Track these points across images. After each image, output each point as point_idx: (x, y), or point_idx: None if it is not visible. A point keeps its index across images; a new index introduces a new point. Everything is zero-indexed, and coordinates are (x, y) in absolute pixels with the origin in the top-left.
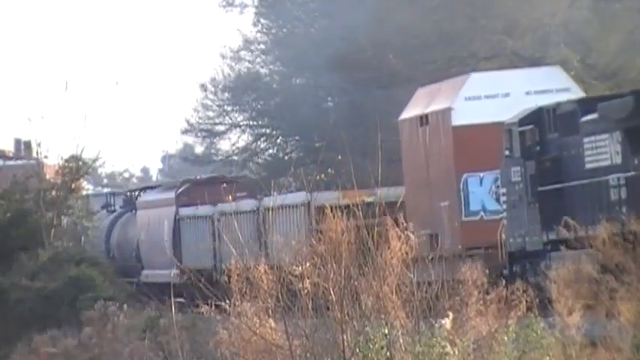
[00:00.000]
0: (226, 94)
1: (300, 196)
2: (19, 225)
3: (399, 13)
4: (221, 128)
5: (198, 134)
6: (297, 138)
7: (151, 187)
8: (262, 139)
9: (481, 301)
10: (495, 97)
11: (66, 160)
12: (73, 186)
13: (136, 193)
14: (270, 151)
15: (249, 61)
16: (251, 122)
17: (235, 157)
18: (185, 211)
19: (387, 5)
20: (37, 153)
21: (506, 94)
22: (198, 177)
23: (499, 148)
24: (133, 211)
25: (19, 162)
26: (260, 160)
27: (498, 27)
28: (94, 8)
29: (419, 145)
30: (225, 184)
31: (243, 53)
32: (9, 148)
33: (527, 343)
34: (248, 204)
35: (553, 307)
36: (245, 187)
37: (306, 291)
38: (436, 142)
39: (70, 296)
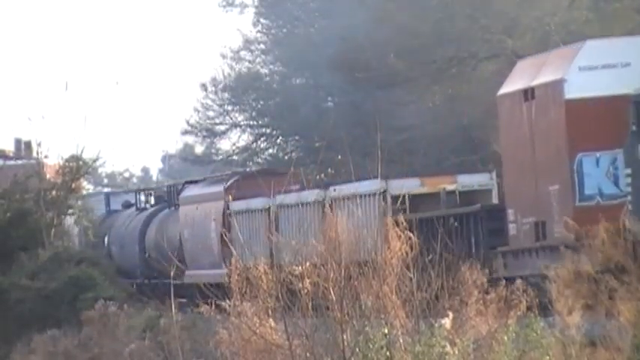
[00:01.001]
0: (226, 94)
1: (374, 184)
2: (19, 225)
3: (399, 13)
4: (221, 128)
5: (199, 134)
6: (297, 138)
7: (194, 182)
8: (262, 139)
9: (481, 301)
10: (614, 66)
11: (66, 160)
12: (73, 186)
13: (178, 187)
14: (270, 151)
15: (249, 61)
16: (251, 122)
17: (235, 157)
18: (236, 205)
19: (386, 5)
20: (37, 153)
21: (626, 64)
22: (248, 169)
23: (618, 123)
24: (172, 208)
25: (19, 162)
26: (260, 160)
27: (498, 27)
28: (94, 8)
29: (522, 122)
30: (277, 176)
31: (243, 53)
32: (9, 148)
33: (527, 343)
34: (312, 194)
35: (553, 307)
36: (298, 179)
37: (306, 291)
38: (544, 118)
39: (70, 296)
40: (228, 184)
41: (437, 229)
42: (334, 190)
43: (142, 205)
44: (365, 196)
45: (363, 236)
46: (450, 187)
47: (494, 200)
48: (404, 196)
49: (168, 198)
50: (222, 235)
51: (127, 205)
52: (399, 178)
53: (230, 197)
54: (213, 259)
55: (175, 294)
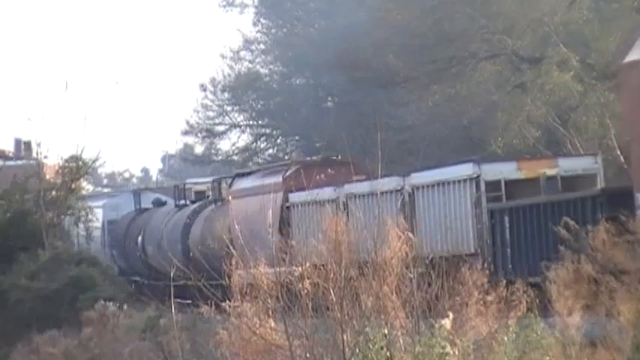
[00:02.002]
0: (226, 94)
1: (466, 169)
2: (19, 225)
3: (399, 13)
4: (221, 128)
5: (199, 134)
6: (297, 138)
7: (245, 174)
8: (262, 139)
9: (481, 301)
10: None
11: (66, 160)
12: (73, 186)
13: (227, 181)
14: (270, 151)
15: (249, 61)
16: (251, 122)
17: (235, 157)
18: (297, 197)
19: (386, 5)
20: (37, 153)
21: None
22: (308, 158)
23: None
24: (219, 203)
25: (19, 162)
26: (260, 160)
27: (498, 27)
28: (94, 8)
29: None
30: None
31: (243, 53)
32: (9, 148)
33: (527, 343)
34: (390, 182)
35: (553, 307)
36: (362, 169)
37: (306, 291)
38: None
39: (70, 296)
40: (288, 173)
41: (541, 217)
42: (416, 176)
43: (181, 201)
44: (454, 182)
45: (455, 228)
46: (551, 172)
47: (600, 185)
48: (499, 183)
49: (214, 193)
50: (280, 230)
51: (159, 203)
52: (492, 162)
53: (289, 188)
54: (269, 256)
55: (224, 296)
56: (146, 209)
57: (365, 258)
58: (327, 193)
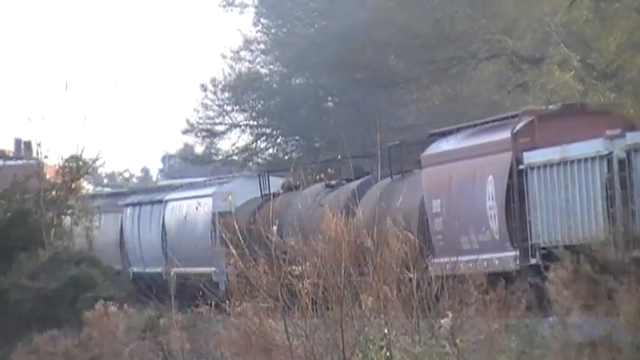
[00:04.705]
0: (226, 94)
1: None
2: (19, 225)
3: (399, 13)
4: (221, 128)
5: (199, 134)
6: (297, 138)
7: (447, 133)
8: (262, 139)
9: (481, 301)
10: None
11: (66, 160)
12: (73, 186)
13: (412, 146)
14: (270, 151)
15: (249, 61)
16: (251, 122)
17: (235, 157)
18: (537, 156)
19: (386, 5)
20: (37, 153)
21: None
22: (544, 107)
23: None
24: (400, 175)
25: (19, 162)
26: (260, 160)
27: (498, 27)
28: (94, 8)
29: None
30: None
31: (243, 53)
32: (9, 148)
33: (527, 343)
34: None
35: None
36: (619, 121)
37: (306, 291)
38: None
39: (70, 296)
40: (518, 127)
41: None
42: None
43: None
44: None
45: None
46: None
47: None
48: None
49: (390, 163)
50: (508, 202)
51: (289, 187)
52: None
53: (522, 146)
54: (490, 238)
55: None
56: (275, 195)
57: None
58: (589, 147)
